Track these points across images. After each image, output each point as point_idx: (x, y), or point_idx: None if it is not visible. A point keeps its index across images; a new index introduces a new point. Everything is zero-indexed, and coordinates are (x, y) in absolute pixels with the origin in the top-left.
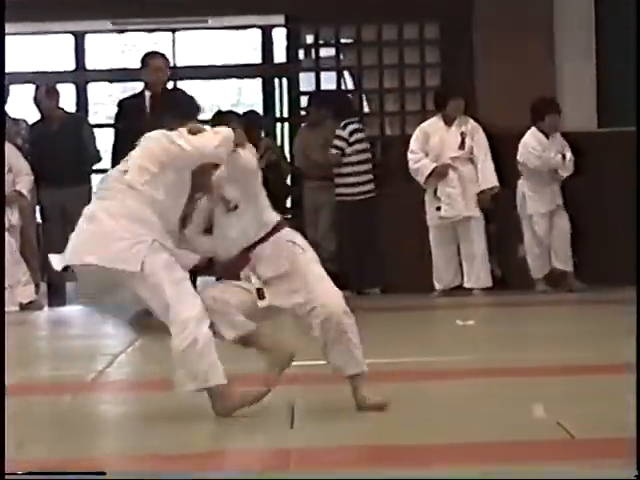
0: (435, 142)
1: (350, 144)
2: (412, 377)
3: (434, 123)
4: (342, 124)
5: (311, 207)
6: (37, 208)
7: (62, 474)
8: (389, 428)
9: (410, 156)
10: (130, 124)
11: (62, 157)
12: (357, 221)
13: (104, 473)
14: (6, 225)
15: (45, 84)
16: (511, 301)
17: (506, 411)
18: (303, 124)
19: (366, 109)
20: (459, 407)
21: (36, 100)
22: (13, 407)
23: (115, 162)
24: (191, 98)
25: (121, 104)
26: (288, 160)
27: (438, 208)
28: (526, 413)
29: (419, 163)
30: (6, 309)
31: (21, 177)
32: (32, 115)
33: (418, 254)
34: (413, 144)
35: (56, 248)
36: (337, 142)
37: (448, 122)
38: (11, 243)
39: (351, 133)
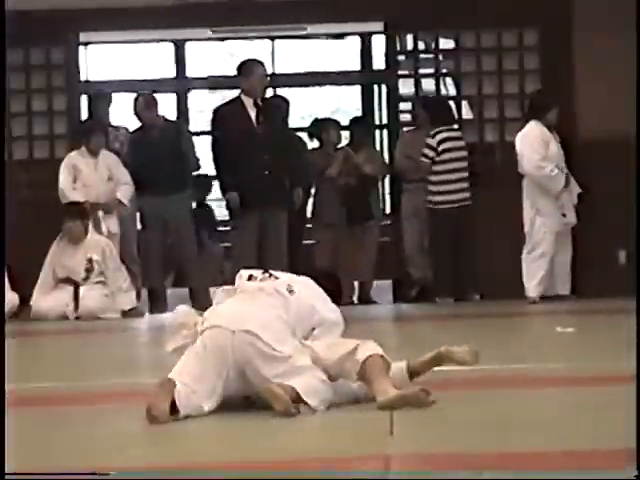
0: (554, 151)
1: (439, 153)
2: (508, 384)
3: (543, 131)
4: (432, 132)
5: (409, 209)
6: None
7: (65, 474)
8: (486, 435)
9: (542, 164)
10: (229, 131)
11: (162, 165)
12: (449, 229)
13: (108, 474)
14: (105, 233)
15: (143, 94)
16: (614, 308)
17: (599, 419)
18: (405, 128)
19: (465, 115)
20: (556, 415)
21: (136, 111)
22: (108, 412)
23: (217, 169)
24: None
25: (217, 111)
26: (386, 165)
27: (564, 215)
28: (617, 421)
29: (556, 172)
30: (107, 316)
31: (121, 185)
32: (134, 124)
33: (516, 260)
34: (540, 150)
35: (156, 255)
36: (426, 150)
37: (550, 130)
38: (112, 250)
39: (440, 142)
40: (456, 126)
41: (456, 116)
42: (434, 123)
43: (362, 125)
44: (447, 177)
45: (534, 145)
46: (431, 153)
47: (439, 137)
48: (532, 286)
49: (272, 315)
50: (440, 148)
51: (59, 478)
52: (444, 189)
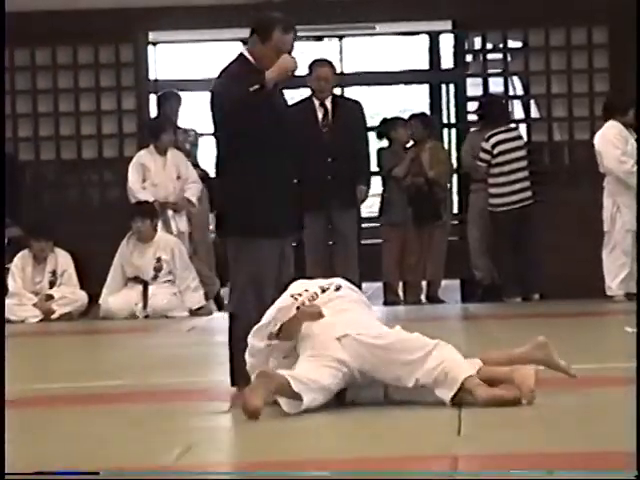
0: (633, 149)
1: (494, 156)
2: (572, 384)
3: (622, 129)
4: (487, 136)
5: (475, 211)
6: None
7: (57, 474)
8: (555, 435)
9: (624, 158)
10: (299, 130)
11: None
12: (510, 230)
13: (98, 473)
14: (175, 232)
15: None
16: None
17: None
18: (472, 128)
19: (533, 114)
20: (622, 414)
21: None
22: (173, 410)
23: None
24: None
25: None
26: (454, 166)
27: None
28: None
29: (636, 167)
30: (176, 314)
31: (189, 184)
32: (204, 122)
33: (586, 259)
34: (620, 145)
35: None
36: (481, 154)
37: (627, 129)
38: (181, 249)
39: (494, 145)
40: (513, 125)
41: (510, 116)
42: (487, 124)
43: (421, 121)
44: (505, 179)
45: (614, 141)
46: (487, 156)
47: (493, 140)
48: (615, 284)
49: (356, 313)
50: (495, 151)
51: (55, 478)
52: (502, 191)
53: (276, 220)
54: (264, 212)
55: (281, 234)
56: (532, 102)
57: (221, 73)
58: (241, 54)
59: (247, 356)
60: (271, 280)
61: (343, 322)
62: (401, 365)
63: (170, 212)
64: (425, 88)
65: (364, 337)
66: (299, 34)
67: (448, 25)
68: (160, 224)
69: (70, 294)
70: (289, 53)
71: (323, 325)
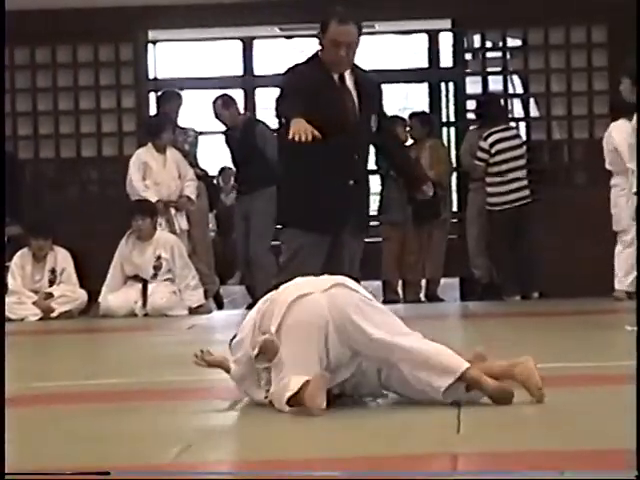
0: None
1: (492, 155)
2: (572, 382)
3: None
4: (484, 135)
5: (474, 210)
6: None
7: (64, 474)
8: (555, 434)
9: None
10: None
11: (245, 162)
12: (507, 229)
13: (108, 473)
14: (178, 230)
15: (221, 96)
16: None
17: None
18: (471, 127)
19: (533, 113)
20: (621, 412)
21: (216, 113)
22: (173, 408)
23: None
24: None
25: None
26: (454, 164)
27: None
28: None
29: None
30: (175, 313)
31: (187, 182)
32: (203, 121)
33: (587, 259)
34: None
35: (233, 253)
36: (479, 153)
37: None
38: (180, 248)
39: (492, 144)
40: (511, 124)
41: (510, 114)
42: (486, 123)
43: (421, 119)
44: (502, 178)
45: (623, 136)
46: (485, 155)
47: (491, 139)
48: (629, 281)
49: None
50: (493, 150)
51: (59, 478)
52: (500, 190)
53: (317, 215)
54: (303, 205)
55: (321, 229)
56: (531, 100)
57: (291, 68)
58: (316, 52)
59: (235, 367)
60: (305, 272)
61: (331, 278)
62: (376, 325)
63: (173, 211)
64: (424, 87)
65: (352, 286)
66: (298, 33)
67: (447, 24)
68: (164, 223)
69: (70, 292)
70: (355, 45)
71: (308, 283)
